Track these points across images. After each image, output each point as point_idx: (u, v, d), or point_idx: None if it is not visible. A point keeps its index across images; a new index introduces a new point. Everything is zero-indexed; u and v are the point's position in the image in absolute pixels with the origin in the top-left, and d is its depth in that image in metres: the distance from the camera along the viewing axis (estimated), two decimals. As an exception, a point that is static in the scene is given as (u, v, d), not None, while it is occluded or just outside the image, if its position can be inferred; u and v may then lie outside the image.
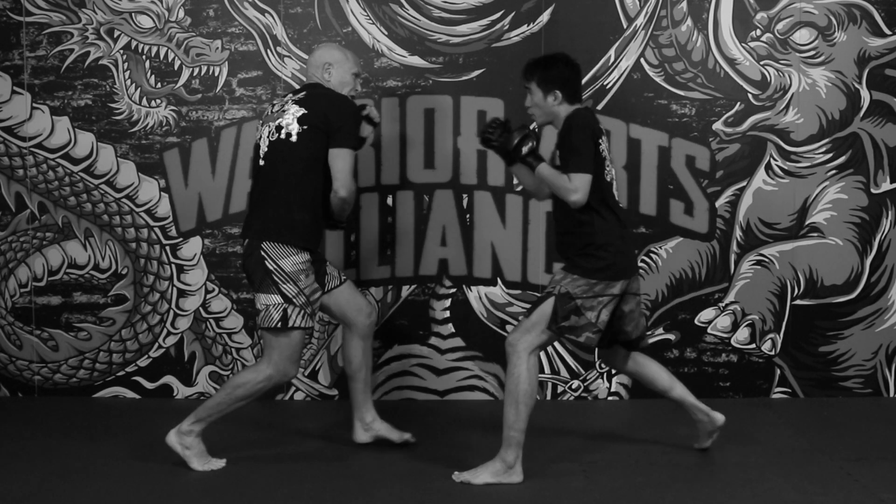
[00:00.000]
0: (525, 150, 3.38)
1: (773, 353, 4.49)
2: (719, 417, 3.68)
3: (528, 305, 4.41)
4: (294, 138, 3.42)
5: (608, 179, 3.41)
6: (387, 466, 3.60)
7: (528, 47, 4.35)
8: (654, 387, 3.68)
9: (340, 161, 3.42)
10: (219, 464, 3.55)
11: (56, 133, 4.44)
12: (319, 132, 3.41)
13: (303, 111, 3.44)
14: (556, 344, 4.45)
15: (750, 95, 4.38)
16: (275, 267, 3.40)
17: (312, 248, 3.51)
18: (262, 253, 3.41)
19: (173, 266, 4.48)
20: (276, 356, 3.45)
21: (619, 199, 3.56)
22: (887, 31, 4.37)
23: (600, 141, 3.39)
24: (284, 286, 3.41)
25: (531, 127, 3.47)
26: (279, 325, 3.40)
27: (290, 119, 3.44)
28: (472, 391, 4.50)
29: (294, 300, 3.41)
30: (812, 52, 4.36)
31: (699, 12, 4.36)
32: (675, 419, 4.11)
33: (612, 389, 4.48)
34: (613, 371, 4.41)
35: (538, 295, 3.78)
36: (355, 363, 3.73)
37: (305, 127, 3.42)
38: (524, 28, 4.36)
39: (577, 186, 3.31)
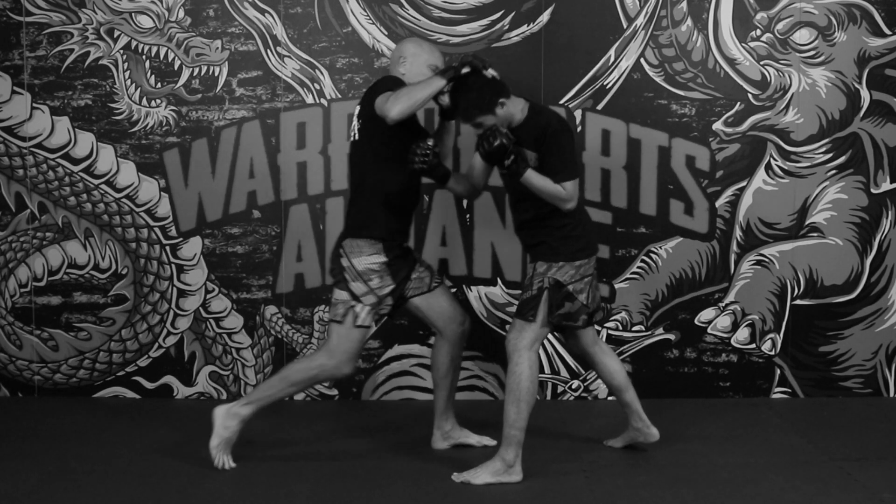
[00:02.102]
0: (509, 161, 3.27)
1: (773, 353, 4.49)
2: (655, 433, 3.69)
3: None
4: (357, 136, 3.53)
5: None
6: (387, 466, 3.60)
7: (528, 47, 4.35)
8: (610, 381, 3.66)
9: (379, 104, 3.36)
10: (228, 462, 3.55)
11: (56, 133, 4.44)
12: (372, 118, 3.45)
13: (358, 108, 3.56)
14: (557, 344, 4.45)
15: (750, 95, 4.38)
16: (348, 264, 3.50)
17: (392, 238, 3.51)
18: (341, 250, 3.53)
19: (173, 266, 4.48)
20: (333, 348, 3.51)
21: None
22: (887, 31, 4.37)
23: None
24: (354, 284, 3.48)
25: (504, 132, 3.31)
26: (341, 319, 3.48)
27: (355, 120, 3.56)
28: (472, 391, 4.50)
29: (362, 299, 3.47)
30: (812, 52, 4.36)
31: (699, 12, 4.36)
32: (674, 419, 4.12)
33: (612, 389, 4.47)
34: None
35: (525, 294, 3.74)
36: (442, 370, 3.75)
37: (362, 120, 3.51)
38: (524, 28, 4.36)
39: (571, 195, 3.34)
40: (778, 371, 4.50)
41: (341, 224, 4.39)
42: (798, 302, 4.47)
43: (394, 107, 3.25)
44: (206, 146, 4.43)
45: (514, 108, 3.39)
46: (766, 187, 4.42)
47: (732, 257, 4.45)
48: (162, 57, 4.40)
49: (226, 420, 3.55)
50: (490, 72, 3.37)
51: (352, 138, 3.58)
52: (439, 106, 3.64)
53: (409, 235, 3.67)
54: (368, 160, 3.52)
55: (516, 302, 4.41)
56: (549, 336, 4.33)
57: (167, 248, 4.48)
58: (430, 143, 3.36)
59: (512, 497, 3.29)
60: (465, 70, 3.33)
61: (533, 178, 3.31)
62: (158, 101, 4.42)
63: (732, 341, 4.48)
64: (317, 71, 4.39)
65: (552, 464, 3.58)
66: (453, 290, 4.45)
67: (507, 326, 4.46)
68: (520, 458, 3.40)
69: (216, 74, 4.41)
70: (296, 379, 3.55)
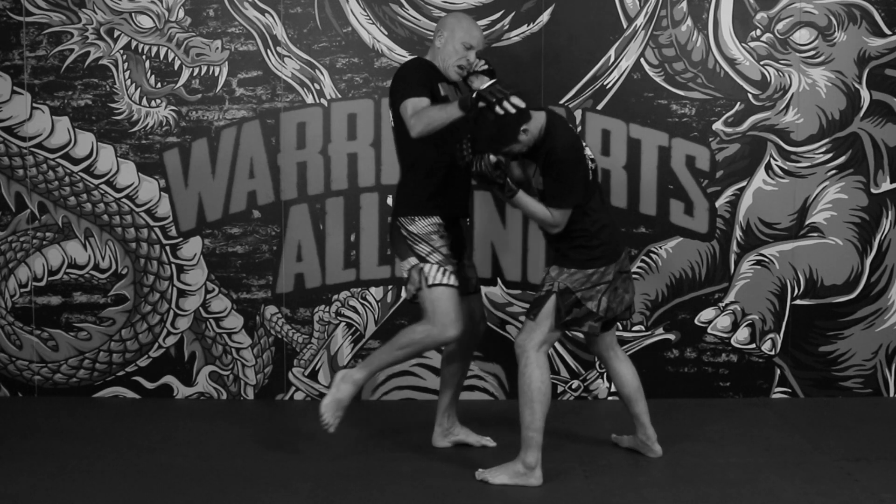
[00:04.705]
0: (503, 180, 3.31)
1: (773, 353, 4.49)
2: (658, 451, 3.68)
3: (527, 305, 4.41)
4: (393, 122, 3.56)
5: (590, 178, 3.41)
6: (387, 466, 3.60)
7: (528, 47, 4.35)
8: (620, 389, 3.67)
9: (402, 113, 3.41)
10: (334, 425, 3.57)
11: (56, 133, 4.44)
12: (394, 104, 3.48)
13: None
14: (557, 344, 4.44)
15: (750, 95, 4.38)
16: (407, 232, 3.52)
17: (440, 213, 3.53)
18: (398, 224, 3.55)
19: (173, 266, 4.48)
20: (430, 314, 3.48)
21: (600, 184, 3.55)
22: (887, 31, 4.37)
23: (584, 155, 3.37)
24: (417, 247, 3.50)
25: (493, 159, 3.33)
26: (419, 285, 3.48)
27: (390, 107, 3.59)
28: (472, 391, 4.50)
29: (428, 258, 3.48)
30: (812, 52, 4.36)
31: (699, 12, 4.36)
32: (674, 419, 4.12)
33: (612, 389, 4.47)
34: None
35: (535, 294, 3.75)
36: (451, 367, 3.77)
37: (392, 109, 3.53)
38: (524, 28, 4.36)
39: (558, 221, 3.35)
40: (778, 371, 4.50)
41: (341, 224, 4.41)
42: (798, 302, 4.47)
43: (415, 127, 3.35)
44: (206, 146, 4.43)
45: (535, 129, 3.33)
46: (766, 187, 4.42)
47: (732, 257, 4.45)
48: (162, 57, 4.40)
49: (341, 383, 3.58)
50: (507, 105, 3.15)
51: (391, 125, 3.60)
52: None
53: (465, 211, 3.69)
54: (402, 144, 3.55)
55: (516, 302, 4.45)
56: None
57: (167, 248, 4.48)
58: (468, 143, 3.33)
59: (512, 497, 3.29)
60: (482, 104, 3.20)
61: (521, 202, 3.35)
62: (158, 101, 4.42)
63: (732, 341, 4.48)
64: (317, 71, 4.39)
65: (552, 464, 3.57)
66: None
67: (511, 326, 4.47)
68: (540, 461, 3.38)
69: (216, 74, 4.41)
70: (403, 343, 3.52)
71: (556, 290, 3.38)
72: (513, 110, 3.16)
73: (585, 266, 3.38)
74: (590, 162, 3.42)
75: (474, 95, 3.21)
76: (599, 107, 4.37)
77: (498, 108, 3.16)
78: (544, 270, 3.50)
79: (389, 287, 4.46)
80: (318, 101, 4.40)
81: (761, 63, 4.37)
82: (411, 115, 3.36)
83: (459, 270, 3.61)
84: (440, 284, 3.46)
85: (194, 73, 4.41)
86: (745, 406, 4.38)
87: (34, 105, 4.43)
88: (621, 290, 3.48)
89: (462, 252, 3.69)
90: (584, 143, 3.45)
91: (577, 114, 4.36)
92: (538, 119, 3.34)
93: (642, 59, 4.37)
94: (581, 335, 3.53)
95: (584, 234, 3.38)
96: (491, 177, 3.28)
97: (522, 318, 4.41)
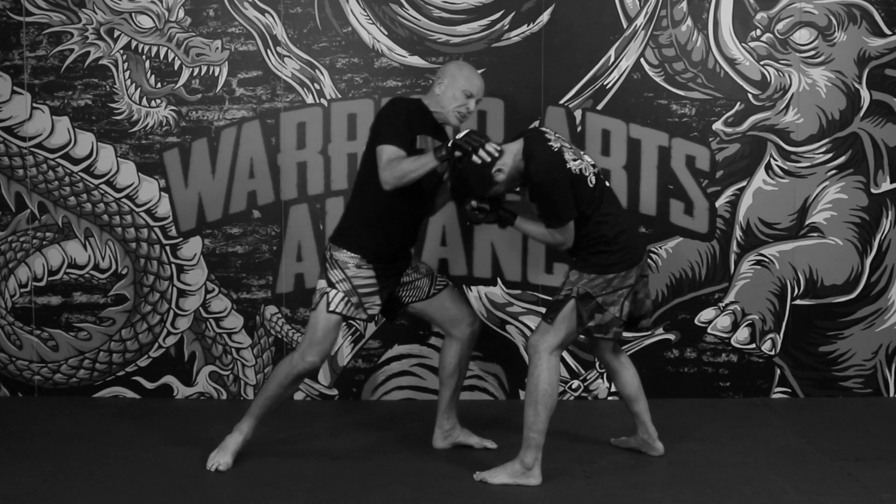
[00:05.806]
0: (493, 218, 3.42)
1: (773, 353, 4.49)
2: (660, 448, 3.69)
3: (527, 305, 4.42)
4: (367, 147, 3.55)
5: (591, 185, 3.37)
6: (387, 466, 3.60)
7: (528, 47, 4.35)
8: (621, 390, 3.68)
9: (378, 158, 3.40)
10: (218, 465, 3.54)
11: (56, 133, 4.44)
12: (372, 141, 3.48)
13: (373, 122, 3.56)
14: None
15: (750, 95, 4.38)
16: (329, 255, 3.55)
17: (369, 257, 3.51)
18: (328, 246, 3.58)
19: (173, 266, 4.48)
20: (302, 338, 3.56)
21: (609, 187, 3.53)
22: (887, 31, 4.37)
23: (573, 169, 3.34)
24: (331, 271, 3.52)
25: (473, 204, 3.43)
26: (315, 307, 3.52)
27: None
28: (472, 391, 4.50)
29: (337, 285, 3.50)
30: (812, 52, 4.36)
31: (699, 12, 4.36)
32: (674, 419, 4.12)
33: (612, 389, 4.48)
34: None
35: (548, 298, 3.76)
36: (448, 369, 3.76)
37: (369, 137, 3.53)
38: (524, 28, 4.36)
39: (562, 240, 3.39)
40: (778, 371, 4.50)
41: (341, 224, 4.41)
42: (798, 302, 4.47)
43: (386, 181, 3.35)
44: (206, 146, 4.43)
45: (511, 161, 3.35)
46: (766, 187, 4.42)
47: (732, 257, 4.45)
48: (162, 57, 4.40)
49: (229, 435, 3.61)
50: (482, 153, 3.22)
51: (366, 147, 3.58)
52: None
53: (398, 258, 3.62)
54: (364, 174, 3.54)
55: (516, 302, 4.45)
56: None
57: (167, 248, 4.48)
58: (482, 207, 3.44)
59: (512, 497, 3.29)
60: (458, 154, 3.25)
61: (521, 227, 3.44)
62: (158, 101, 4.42)
63: (732, 341, 4.49)
64: (317, 71, 4.39)
65: (552, 464, 3.57)
66: (453, 290, 4.46)
67: (511, 326, 4.47)
68: (539, 461, 3.38)
69: (216, 74, 4.41)
70: (274, 374, 3.57)
71: (574, 294, 3.38)
72: (489, 158, 3.23)
73: (606, 271, 3.37)
74: (591, 167, 3.41)
75: (450, 145, 3.26)
76: (599, 107, 4.37)
77: (475, 157, 3.23)
78: (564, 274, 3.50)
79: (389, 287, 4.46)
80: (318, 101, 4.40)
81: (761, 63, 4.37)
82: (385, 164, 3.35)
83: (390, 285, 3.60)
84: (337, 313, 3.50)
85: (194, 73, 4.41)
86: (745, 406, 4.38)
87: (34, 105, 4.43)
88: (642, 294, 3.49)
89: (398, 278, 3.65)
90: (577, 155, 3.40)
91: (577, 114, 4.36)
92: (510, 151, 3.36)
93: (642, 59, 4.37)
94: (608, 340, 3.52)
95: (604, 239, 3.38)
96: (476, 220, 3.43)
97: (523, 317, 4.42)
